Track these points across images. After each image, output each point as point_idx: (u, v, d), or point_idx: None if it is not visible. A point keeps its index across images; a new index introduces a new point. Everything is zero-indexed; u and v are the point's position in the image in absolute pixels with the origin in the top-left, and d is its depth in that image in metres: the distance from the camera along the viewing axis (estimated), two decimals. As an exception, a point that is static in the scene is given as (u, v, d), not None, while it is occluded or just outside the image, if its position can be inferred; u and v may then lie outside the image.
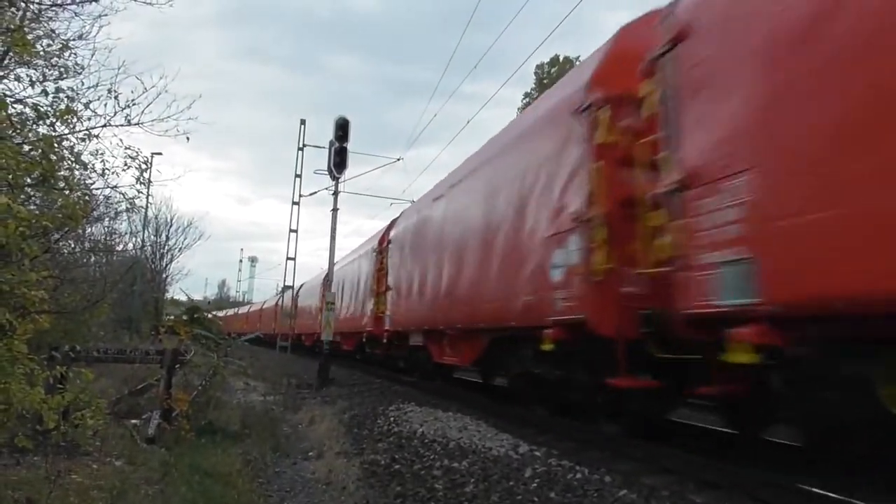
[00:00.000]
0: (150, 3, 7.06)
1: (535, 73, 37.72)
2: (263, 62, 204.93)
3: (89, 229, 12.54)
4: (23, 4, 5.77)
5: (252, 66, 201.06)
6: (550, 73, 34.47)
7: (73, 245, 8.14)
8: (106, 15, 6.80)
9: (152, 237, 33.61)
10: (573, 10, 16.53)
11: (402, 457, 6.93)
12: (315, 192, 21.21)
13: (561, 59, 35.76)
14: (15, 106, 5.30)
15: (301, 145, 20.39)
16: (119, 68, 6.14)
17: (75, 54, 6.23)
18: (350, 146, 17.45)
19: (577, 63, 25.85)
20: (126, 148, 5.88)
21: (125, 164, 5.92)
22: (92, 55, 6.41)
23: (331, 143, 17.61)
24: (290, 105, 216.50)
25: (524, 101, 35.78)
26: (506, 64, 43.16)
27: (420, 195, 17.06)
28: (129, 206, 8.84)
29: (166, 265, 36.81)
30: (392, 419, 9.44)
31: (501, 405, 10.08)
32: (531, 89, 36.66)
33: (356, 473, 6.40)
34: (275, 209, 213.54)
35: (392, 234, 16.19)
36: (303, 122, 20.81)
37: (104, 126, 5.68)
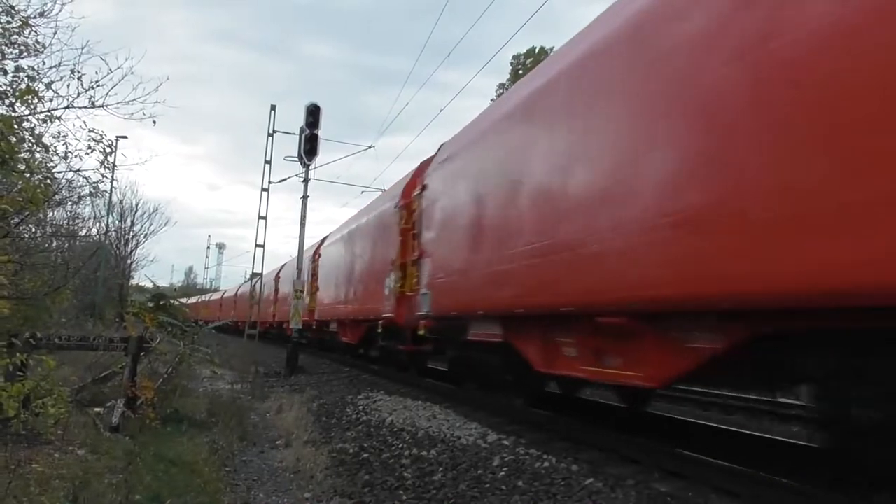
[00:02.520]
0: None
1: (511, 64, 37.78)
2: (236, 46, 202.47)
3: (51, 213, 12.23)
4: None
5: (224, 51, 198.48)
6: (526, 64, 34.50)
7: (33, 229, 7.94)
8: (69, -9, 6.58)
9: (117, 222, 33.06)
10: (544, 3, 16.34)
11: (371, 445, 6.92)
12: (285, 179, 20.90)
13: (537, 50, 35.80)
14: (-28, 85, 5.13)
15: (271, 131, 20.08)
16: (83, 48, 6.00)
17: (36, 32, 6.03)
18: (321, 133, 17.31)
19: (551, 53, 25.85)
20: (90, 131, 5.75)
21: (89, 147, 5.80)
22: (54, 34, 6.22)
23: (301, 130, 17.42)
24: (263, 90, 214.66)
25: (498, 92, 35.77)
26: (480, 54, 43.27)
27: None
28: (92, 190, 8.64)
29: (131, 251, 36.25)
30: (361, 408, 9.43)
31: (470, 394, 10.12)
32: (507, 80, 36.69)
33: (324, 462, 6.38)
34: (245, 196, 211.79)
35: (432, 172, 10.69)
36: (273, 107, 20.37)
37: (67, 108, 5.55)
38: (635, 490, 4.83)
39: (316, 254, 21.82)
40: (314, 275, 21.73)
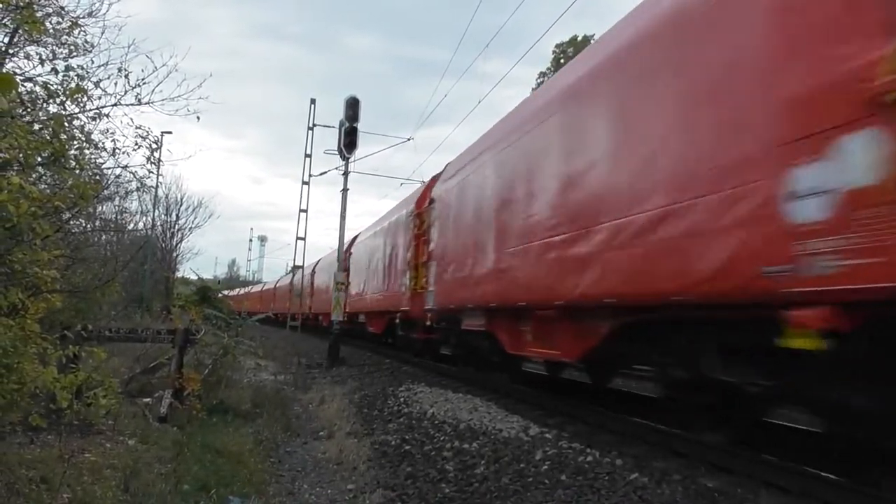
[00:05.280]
0: None
1: (554, 52, 37.23)
2: (278, 40, 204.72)
3: (100, 208, 12.56)
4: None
5: (266, 45, 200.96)
6: (568, 53, 33.99)
7: (84, 224, 8.14)
8: (115, -9, 6.70)
9: (163, 216, 33.86)
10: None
11: (413, 438, 6.94)
12: (325, 172, 21.00)
13: (580, 38, 35.22)
14: (25, 84, 5.27)
15: (311, 125, 20.27)
16: (129, 46, 6.10)
17: (85, 32, 6.18)
18: (360, 126, 17.42)
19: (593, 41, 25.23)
20: (137, 127, 5.86)
21: (136, 144, 5.91)
22: (102, 33, 6.35)
23: (341, 123, 17.55)
24: (304, 84, 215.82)
25: (538, 81, 35.31)
26: (521, 43, 42.78)
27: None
28: (139, 185, 8.84)
29: (176, 244, 37.11)
30: (402, 400, 9.47)
31: (511, 387, 10.07)
32: (547, 68, 36.19)
33: (367, 454, 6.43)
34: (288, 189, 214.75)
35: None
36: (313, 101, 20.63)
37: (114, 105, 5.66)
38: (682, 485, 4.73)
39: (423, 202, 14.02)
40: (419, 237, 13.76)
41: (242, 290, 59.11)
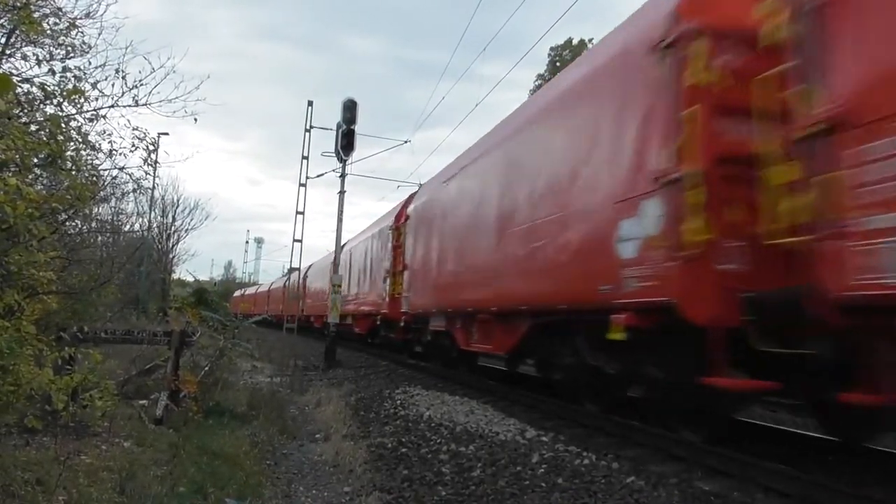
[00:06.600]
0: None
1: (549, 55, 37.26)
2: (279, 42, 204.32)
3: (96, 210, 12.52)
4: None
5: (267, 47, 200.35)
6: (563, 56, 34.04)
7: (80, 225, 8.12)
8: (113, -8, 6.70)
9: (159, 218, 33.80)
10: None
11: (409, 440, 6.93)
12: (322, 175, 20.85)
13: (575, 41, 35.25)
14: (22, 85, 5.27)
15: (308, 127, 20.22)
16: (127, 48, 6.11)
17: (82, 33, 6.20)
18: (358, 128, 17.39)
19: (591, 45, 25.20)
20: (134, 129, 5.87)
21: (133, 145, 5.91)
22: (99, 34, 6.37)
23: (338, 126, 17.53)
24: (304, 86, 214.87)
25: (536, 83, 35.34)
26: (520, 46, 42.79)
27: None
28: (136, 186, 8.84)
29: (173, 246, 37.07)
30: (399, 402, 9.46)
31: (508, 389, 10.07)
32: (544, 71, 36.22)
33: (363, 456, 6.41)
34: (286, 190, 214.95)
35: None
36: (310, 103, 20.49)
37: (112, 107, 5.67)
38: (678, 489, 4.74)
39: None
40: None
41: (272, 286, 58.76)
